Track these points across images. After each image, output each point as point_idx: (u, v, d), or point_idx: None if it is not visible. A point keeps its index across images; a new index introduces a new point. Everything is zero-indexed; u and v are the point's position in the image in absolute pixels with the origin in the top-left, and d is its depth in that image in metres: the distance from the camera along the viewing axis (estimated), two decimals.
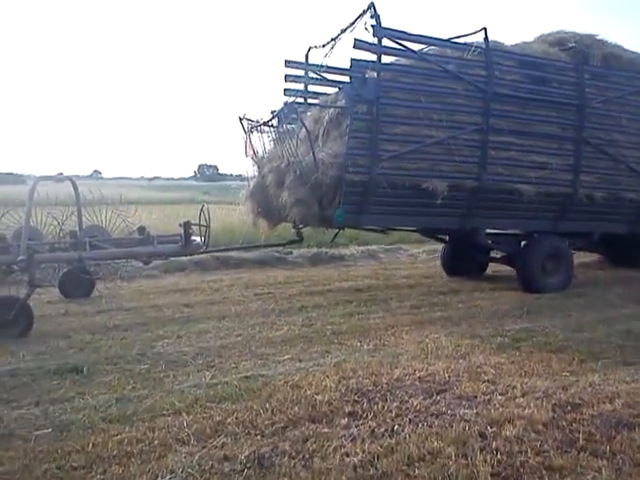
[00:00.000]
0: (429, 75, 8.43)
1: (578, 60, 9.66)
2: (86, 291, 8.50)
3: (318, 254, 12.85)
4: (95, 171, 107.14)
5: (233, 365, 5.37)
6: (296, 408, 4.24)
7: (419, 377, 4.94)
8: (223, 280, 10.17)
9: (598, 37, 10.30)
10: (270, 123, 9.57)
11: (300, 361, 5.48)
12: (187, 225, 7.89)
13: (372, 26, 7.80)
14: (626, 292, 9.07)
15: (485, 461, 3.42)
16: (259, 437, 3.80)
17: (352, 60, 8.08)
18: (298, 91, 10.36)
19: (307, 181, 8.04)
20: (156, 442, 3.72)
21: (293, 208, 8.21)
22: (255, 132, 9.67)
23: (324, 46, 8.88)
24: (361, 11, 7.94)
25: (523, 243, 10.08)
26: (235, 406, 4.31)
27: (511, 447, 3.62)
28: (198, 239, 8.07)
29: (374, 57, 7.96)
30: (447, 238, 10.95)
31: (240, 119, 9.85)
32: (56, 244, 7.75)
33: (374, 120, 7.93)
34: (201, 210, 8.20)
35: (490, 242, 9.81)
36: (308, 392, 4.55)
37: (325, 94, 10.21)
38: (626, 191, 9.70)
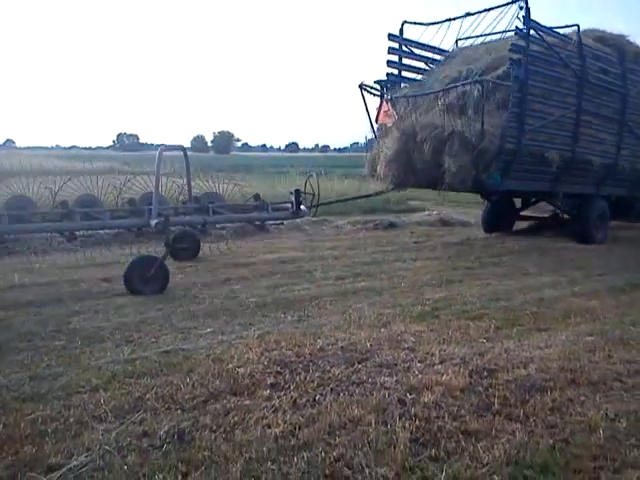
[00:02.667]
0: (552, 62, 10.38)
1: (617, 56, 11.72)
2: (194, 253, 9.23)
3: (243, 226, 12.70)
4: (8, 140, 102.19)
5: (153, 340, 5.25)
6: (217, 381, 4.19)
7: (341, 347, 4.98)
8: (143, 253, 9.87)
9: (628, 37, 12.40)
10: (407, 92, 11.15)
11: (222, 334, 5.42)
12: (298, 193, 8.83)
13: (523, 17, 9.70)
14: (541, 261, 9.46)
15: (404, 427, 3.49)
16: (179, 412, 3.74)
17: (514, 45, 9.81)
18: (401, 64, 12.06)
19: (471, 149, 9.61)
20: (72, 420, 3.60)
21: (455, 173, 9.59)
22: (389, 100, 11.10)
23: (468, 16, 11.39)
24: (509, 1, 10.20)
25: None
26: (155, 381, 4.22)
27: (429, 413, 3.71)
28: (303, 207, 8.94)
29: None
30: (486, 202, 13.06)
31: (361, 87, 11.24)
32: (179, 209, 8.50)
33: (523, 98, 9.91)
34: (307, 180, 9.32)
35: (559, 204, 12.07)
36: (230, 365, 4.51)
37: (420, 69, 12.42)
38: None
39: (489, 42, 11.81)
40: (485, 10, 10.98)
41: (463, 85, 10.14)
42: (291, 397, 3.96)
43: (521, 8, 9.72)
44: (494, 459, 3.14)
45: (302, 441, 3.34)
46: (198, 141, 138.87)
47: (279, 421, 3.58)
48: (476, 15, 11.30)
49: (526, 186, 11.13)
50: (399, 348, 4.98)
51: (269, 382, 4.22)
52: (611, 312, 6.24)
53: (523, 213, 13.46)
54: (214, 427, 3.52)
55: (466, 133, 9.65)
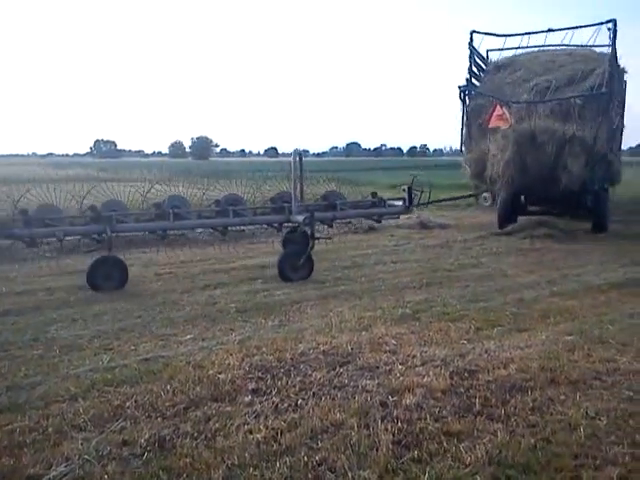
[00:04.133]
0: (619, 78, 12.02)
1: None
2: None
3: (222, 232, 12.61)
4: None
5: (132, 347, 5.20)
6: (198, 388, 4.16)
7: (323, 351, 4.98)
8: None
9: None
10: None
11: (203, 340, 5.39)
12: (410, 190, 9.95)
13: (612, 37, 11.31)
14: (520, 262, 9.54)
15: (386, 430, 3.49)
16: (160, 419, 3.71)
17: (612, 61, 11.34)
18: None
19: (587, 152, 10.85)
20: (50, 430, 3.57)
21: (574, 173, 10.90)
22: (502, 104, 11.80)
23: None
24: (598, 22, 11.63)
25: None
26: (134, 389, 4.18)
27: (411, 415, 3.71)
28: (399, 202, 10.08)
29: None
30: (498, 200, 13.42)
31: (464, 91, 12.03)
32: (309, 206, 9.25)
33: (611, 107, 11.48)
34: (413, 180, 10.36)
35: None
36: (211, 371, 4.48)
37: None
38: None
39: (540, 53, 13.03)
40: (571, 28, 12.59)
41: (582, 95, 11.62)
42: (273, 402, 3.94)
43: (609, 30, 11.49)
44: (476, 459, 3.15)
45: (284, 446, 3.33)
46: (176, 147, 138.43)
47: (261, 426, 3.56)
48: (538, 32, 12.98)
49: (592, 184, 12.07)
50: (380, 351, 4.99)
51: (250, 388, 4.20)
52: (589, 311, 6.30)
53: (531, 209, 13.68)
54: (195, 434, 3.50)
55: (585, 137, 11.05)
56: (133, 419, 3.72)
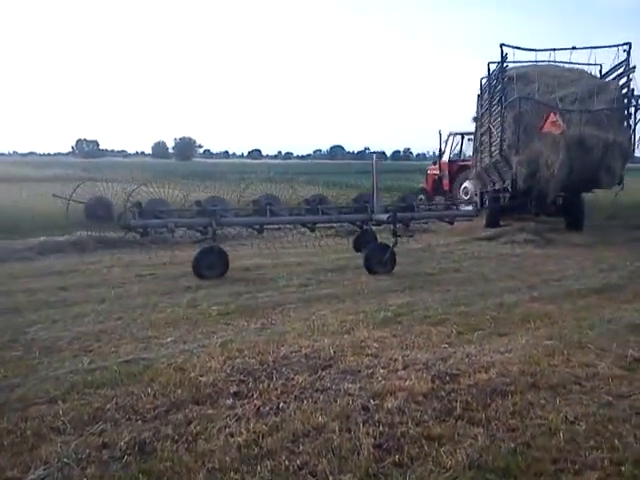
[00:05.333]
0: None
1: None
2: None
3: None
4: None
5: (113, 349, 5.16)
6: (179, 391, 4.14)
7: (305, 354, 4.97)
8: (102, 261, 9.78)
9: None
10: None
11: (184, 343, 5.35)
12: (482, 193, 11.93)
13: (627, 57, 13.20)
14: (500, 267, 9.62)
15: (368, 433, 3.50)
16: (140, 422, 3.68)
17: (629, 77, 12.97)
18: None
19: (625, 155, 12.67)
20: (29, 432, 3.53)
21: (614, 174, 12.74)
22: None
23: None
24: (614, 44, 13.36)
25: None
26: (115, 391, 4.15)
27: (392, 418, 3.72)
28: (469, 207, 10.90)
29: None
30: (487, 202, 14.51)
31: (523, 98, 12.77)
32: (389, 206, 10.08)
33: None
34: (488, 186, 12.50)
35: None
36: (192, 374, 4.46)
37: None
38: None
39: (546, 68, 13.97)
40: (592, 47, 13.78)
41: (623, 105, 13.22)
42: (254, 405, 3.93)
43: (624, 51, 13.11)
44: (457, 463, 3.16)
45: (266, 450, 3.32)
46: (159, 147, 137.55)
47: (242, 430, 3.55)
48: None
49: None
50: (362, 354, 4.99)
51: (232, 391, 4.18)
52: (569, 316, 6.36)
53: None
54: (176, 437, 3.48)
55: (624, 143, 12.65)
56: (113, 422, 3.69)
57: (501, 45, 12.96)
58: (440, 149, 19.76)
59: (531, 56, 14.10)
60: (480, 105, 15.40)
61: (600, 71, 14.27)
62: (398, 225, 9.34)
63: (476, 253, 11.04)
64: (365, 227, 10.25)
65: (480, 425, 3.67)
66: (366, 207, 9.62)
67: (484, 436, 3.51)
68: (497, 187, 14.35)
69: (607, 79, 14.10)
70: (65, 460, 3.19)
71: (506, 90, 13.10)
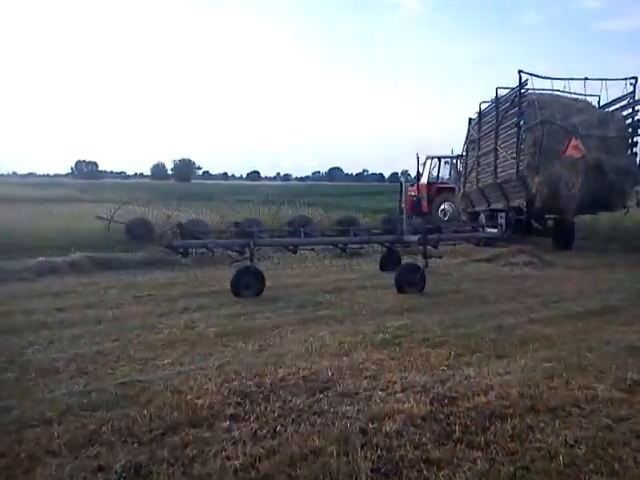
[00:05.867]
0: None
1: None
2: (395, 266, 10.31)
3: (204, 254, 12.56)
4: None
5: (109, 371, 5.13)
6: (176, 413, 4.10)
7: (303, 376, 4.94)
8: (100, 282, 9.74)
9: None
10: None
11: (181, 365, 5.32)
12: (508, 215, 11.86)
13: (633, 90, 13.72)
14: (499, 289, 9.59)
15: (366, 457, 3.46)
16: (136, 445, 3.64)
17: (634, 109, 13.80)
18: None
19: (632, 178, 13.48)
20: (23, 455, 3.49)
21: (624, 197, 13.69)
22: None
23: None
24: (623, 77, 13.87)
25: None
26: (111, 414, 4.10)
27: (391, 442, 3.68)
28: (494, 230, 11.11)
29: None
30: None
31: (544, 122, 13.34)
32: (416, 228, 10.54)
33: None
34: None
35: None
36: (189, 396, 4.42)
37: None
38: None
39: (552, 97, 14.50)
40: (603, 79, 14.32)
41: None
42: (251, 428, 3.89)
43: (631, 84, 13.75)
44: None
45: (262, 473, 3.28)
46: (158, 169, 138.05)
47: (239, 453, 3.51)
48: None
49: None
50: (360, 377, 4.96)
51: (229, 413, 4.14)
52: (568, 339, 6.33)
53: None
54: (172, 461, 3.44)
55: (632, 168, 13.61)
56: (109, 444, 3.65)
57: (519, 71, 13.54)
58: (418, 172, 20.90)
59: (545, 83, 14.62)
60: (477, 128, 15.60)
61: (598, 102, 14.86)
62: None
63: (475, 274, 11.04)
64: (392, 248, 10.79)
65: (479, 449, 3.63)
66: (396, 229, 10.15)
67: (483, 460, 3.47)
68: (494, 207, 14.61)
69: (611, 109, 14.73)
70: None
71: (525, 114, 13.61)
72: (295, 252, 10.17)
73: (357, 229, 10.25)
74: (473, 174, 16.09)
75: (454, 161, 20.37)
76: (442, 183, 20.60)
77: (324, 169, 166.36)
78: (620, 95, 14.36)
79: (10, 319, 7.07)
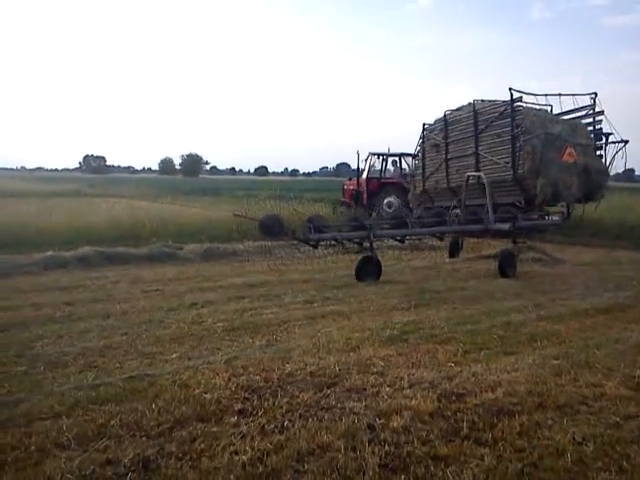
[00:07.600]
0: None
1: None
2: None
3: (210, 249, 12.63)
4: None
5: (117, 365, 5.15)
6: (184, 408, 4.12)
7: (310, 372, 4.95)
8: (108, 277, 9.78)
9: None
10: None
11: (189, 359, 5.34)
12: (569, 205, 14.28)
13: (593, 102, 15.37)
14: (507, 286, 9.56)
15: (373, 453, 3.47)
16: (144, 439, 3.67)
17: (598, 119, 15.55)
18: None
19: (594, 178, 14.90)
20: (33, 448, 3.52)
21: (599, 193, 15.34)
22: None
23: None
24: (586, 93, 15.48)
25: None
26: (119, 407, 4.13)
27: (398, 438, 3.69)
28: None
29: None
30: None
31: (547, 133, 14.54)
32: (496, 217, 11.50)
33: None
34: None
35: None
36: (197, 391, 4.44)
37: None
38: None
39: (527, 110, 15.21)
40: (573, 94, 15.62)
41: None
42: (259, 423, 3.91)
43: (591, 98, 15.30)
44: None
45: (270, 468, 3.30)
46: (166, 163, 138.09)
47: (247, 448, 3.53)
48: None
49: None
50: (368, 372, 4.96)
51: (236, 408, 4.16)
52: (576, 336, 6.32)
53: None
54: (180, 455, 3.46)
55: (604, 168, 15.43)
56: (117, 438, 3.67)
57: (510, 89, 14.93)
58: (358, 167, 22.27)
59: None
60: (443, 134, 16.99)
61: (551, 111, 15.97)
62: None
63: (482, 271, 10.99)
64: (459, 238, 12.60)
65: (487, 445, 3.64)
66: (482, 218, 11.17)
67: (491, 456, 3.47)
68: (472, 203, 15.40)
69: (570, 116, 16.13)
70: (69, 476, 3.19)
71: (521, 125, 14.75)
72: (403, 242, 11.50)
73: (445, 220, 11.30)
74: (440, 174, 17.13)
75: (398, 159, 22.29)
76: (387, 178, 22.17)
77: (332, 165, 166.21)
78: (577, 107, 15.78)
79: (19, 313, 7.10)
